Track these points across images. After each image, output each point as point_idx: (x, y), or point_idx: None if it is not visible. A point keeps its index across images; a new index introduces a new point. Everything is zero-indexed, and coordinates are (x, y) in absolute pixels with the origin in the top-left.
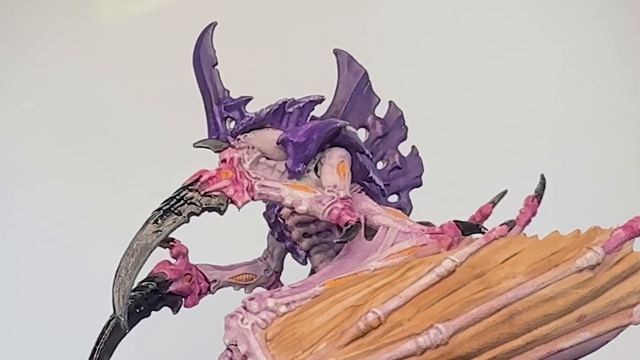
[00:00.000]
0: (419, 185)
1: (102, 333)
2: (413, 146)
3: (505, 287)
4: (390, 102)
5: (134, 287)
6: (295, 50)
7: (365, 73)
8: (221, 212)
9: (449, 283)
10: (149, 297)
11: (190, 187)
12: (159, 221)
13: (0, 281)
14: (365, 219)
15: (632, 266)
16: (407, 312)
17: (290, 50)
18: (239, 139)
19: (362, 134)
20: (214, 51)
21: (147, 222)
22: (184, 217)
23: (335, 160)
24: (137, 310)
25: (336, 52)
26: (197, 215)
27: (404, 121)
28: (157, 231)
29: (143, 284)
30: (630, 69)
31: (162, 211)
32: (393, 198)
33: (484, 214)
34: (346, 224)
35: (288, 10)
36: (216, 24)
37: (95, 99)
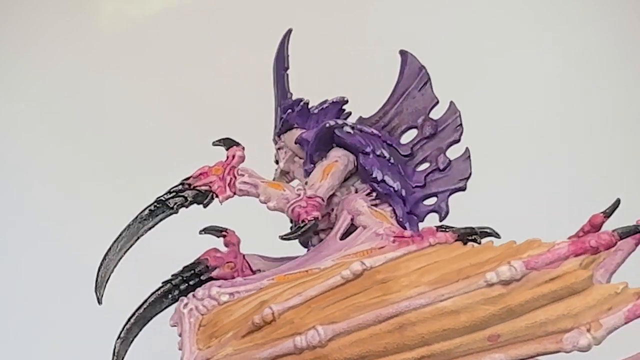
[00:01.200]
0: (462, 189)
1: (139, 307)
2: (466, 148)
3: (402, 296)
4: (450, 102)
5: (178, 270)
6: (295, 51)
7: (425, 73)
8: (204, 205)
9: (351, 286)
10: (189, 279)
11: (184, 182)
12: (151, 211)
13: (0, 281)
14: (352, 219)
15: (568, 287)
16: (301, 311)
17: (290, 51)
18: (280, 138)
19: (412, 135)
20: (288, 56)
21: (141, 212)
22: (172, 208)
23: (328, 161)
24: (177, 291)
25: (401, 53)
26: (186, 207)
27: (460, 123)
28: (145, 220)
29: (186, 267)
30: (630, 69)
31: (156, 202)
32: (432, 200)
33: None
34: (302, 222)
35: (288, 11)
36: (291, 30)
37: (95, 99)
